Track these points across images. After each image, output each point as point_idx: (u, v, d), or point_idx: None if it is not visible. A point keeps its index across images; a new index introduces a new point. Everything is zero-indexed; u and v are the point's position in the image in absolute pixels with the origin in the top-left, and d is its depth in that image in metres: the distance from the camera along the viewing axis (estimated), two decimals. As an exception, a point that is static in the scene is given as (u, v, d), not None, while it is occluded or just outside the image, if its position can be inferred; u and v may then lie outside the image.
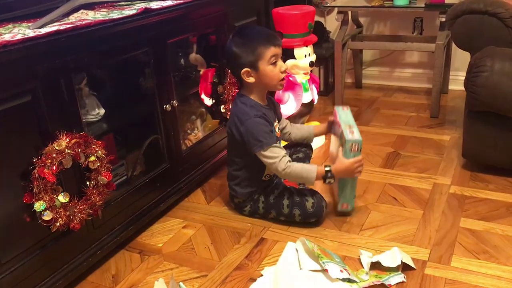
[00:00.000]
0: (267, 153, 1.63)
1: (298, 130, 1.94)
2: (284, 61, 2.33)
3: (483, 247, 1.57)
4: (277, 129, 1.76)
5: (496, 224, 1.68)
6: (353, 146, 1.63)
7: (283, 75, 1.68)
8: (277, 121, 1.79)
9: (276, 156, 1.62)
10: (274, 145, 1.64)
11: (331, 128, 1.89)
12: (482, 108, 1.84)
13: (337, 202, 1.76)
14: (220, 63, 2.07)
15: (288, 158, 1.65)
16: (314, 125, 2.14)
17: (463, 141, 2.00)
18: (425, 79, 3.14)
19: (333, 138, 1.92)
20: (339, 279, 1.41)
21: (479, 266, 1.48)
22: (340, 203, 1.74)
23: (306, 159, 1.98)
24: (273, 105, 1.81)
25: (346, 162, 1.63)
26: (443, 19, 2.48)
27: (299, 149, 1.95)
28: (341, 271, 1.42)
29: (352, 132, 1.66)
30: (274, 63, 1.64)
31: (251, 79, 1.65)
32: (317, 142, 2.36)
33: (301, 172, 1.63)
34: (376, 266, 1.48)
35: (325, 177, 1.64)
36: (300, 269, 1.49)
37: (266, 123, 1.65)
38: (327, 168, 1.63)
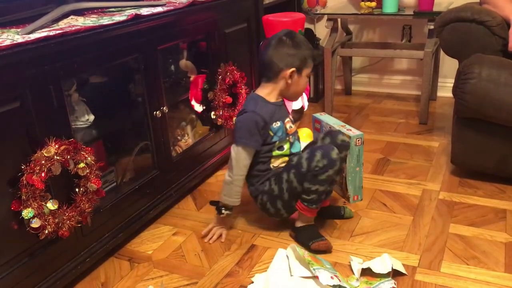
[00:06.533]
0: (235, 151, 1.64)
1: None
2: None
3: (472, 253, 1.58)
4: (288, 126, 1.71)
5: (485, 229, 1.69)
6: (357, 140, 1.78)
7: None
8: (289, 117, 1.74)
9: (238, 160, 1.64)
10: (248, 148, 1.63)
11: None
12: (470, 114, 1.86)
13: (348, 197, 1.88)
14: (210, 69, 2.07)
15: (244, 172, 1.66)
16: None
17: (452, 147, 2.02)
18: (413, 86, 3.16)
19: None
20: (330, 285, 1.41)
21: (469, 272, 1.49)
22: (351, 196, 1.87)
23: None
24: (283, 104, 1.76)
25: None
26: (432, 27, 2.50)
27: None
28: (331, 277, 1.42)
29: (350, 129, 1.83)
30: (307, 78, 1.70)
31: (289, 81, 1.65)
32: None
33: (232, 188, 1.67)
34: (366, 272, 1.48)
35: (219, 208, 1.73)
36: (291, 275, 1.49)
37: (259, 122, 1.61)
38: (220, 205, 1.72)
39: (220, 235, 1.74)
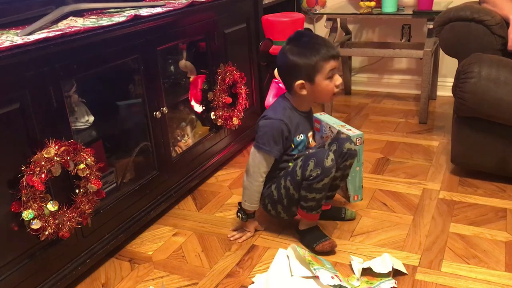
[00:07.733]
0: (256, 156, 1.60)
1: None
2: (274, 69, 2.35)
3: (473, 252, 1.58)
4: (311, 139, 1.68)
5: (485, 228, 1.69)
6: (357, 140, 1.78)
7: (337, 89, 1.58)
8: (312, 131, 1.69)
9: (258, 166, 1.61)
10: (269, 157, 1.60)
11: None
12: (470, 113, 1.86)
13: (348, 196, 1.89)
14: (210, 69, 2.07)
15: (263, 178, 1.63)
16: None
17: (452, 147, 2.02)
18: (413, 85, 3.17)
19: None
20: (330, 285, 1.41)
21: (469, 271, 1.49)
22: (351, 196, 1.88)
23: None
24: (311, 114, 1.72)
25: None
26: (431, 26, 2.50)
27: None
28: (332, 277, 1.42)
29: (350, 129, 1.84)
30: (331, 77, 1.54)
31: (303, 92, 1.54)
32: None
33: (252, 193, 1.64)
34: (367, 272, 1.48)
35: (237, 213, 1.73)
36: (291, 276, 1.49)
37: (284, 131, 1.57)
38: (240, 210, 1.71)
39: (241, 237, 1.72)
